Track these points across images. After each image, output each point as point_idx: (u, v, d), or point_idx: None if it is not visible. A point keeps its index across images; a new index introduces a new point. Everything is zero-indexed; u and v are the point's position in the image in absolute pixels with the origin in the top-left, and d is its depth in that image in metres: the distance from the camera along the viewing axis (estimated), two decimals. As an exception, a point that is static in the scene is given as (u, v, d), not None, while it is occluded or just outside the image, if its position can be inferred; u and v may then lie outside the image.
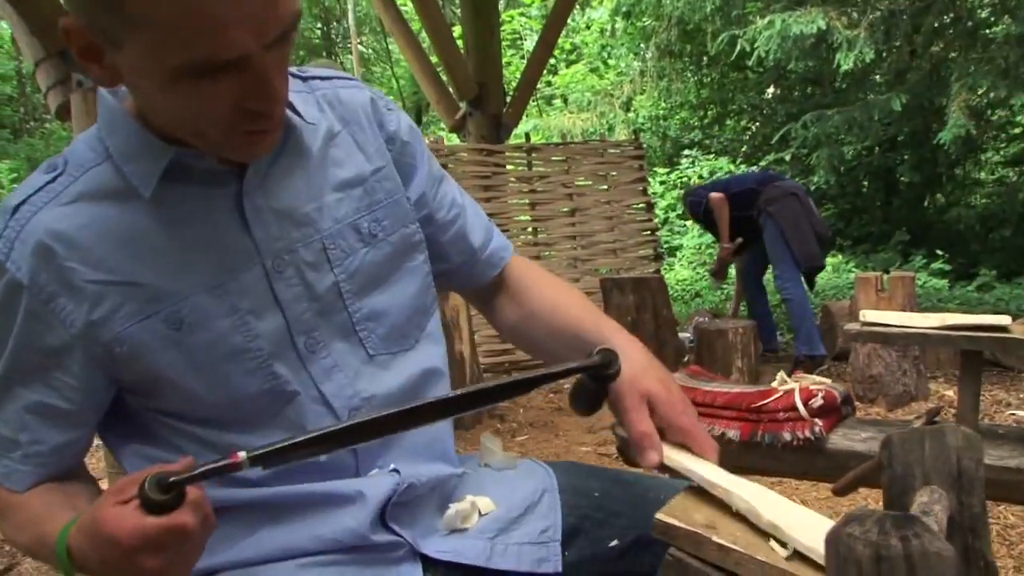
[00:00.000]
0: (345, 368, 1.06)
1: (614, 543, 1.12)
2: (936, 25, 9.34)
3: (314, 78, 1.12)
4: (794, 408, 1.99)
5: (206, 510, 0.85)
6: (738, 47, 9.19)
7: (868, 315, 2.15)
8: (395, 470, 1.06)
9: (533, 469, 1.23)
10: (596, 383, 0.99)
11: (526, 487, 1.17)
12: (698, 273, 9.88)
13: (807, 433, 1.96)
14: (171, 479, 0.80)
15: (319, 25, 22.50)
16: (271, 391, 1.01)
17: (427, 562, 1.04)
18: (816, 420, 1.97)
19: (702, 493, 0.95)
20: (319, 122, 1.07)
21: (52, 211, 0.95)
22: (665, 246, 9.84)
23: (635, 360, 1.08)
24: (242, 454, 0.80)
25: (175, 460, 1.01)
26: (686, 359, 5.49)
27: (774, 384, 2.15)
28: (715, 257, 6.20)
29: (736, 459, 2.09)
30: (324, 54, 21.41)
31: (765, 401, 2.04)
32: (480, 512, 1.10)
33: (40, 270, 0.94)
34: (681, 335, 5.78)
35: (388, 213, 1.11)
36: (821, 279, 8.70)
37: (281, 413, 1.02)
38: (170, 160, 0.95)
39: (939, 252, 9.25)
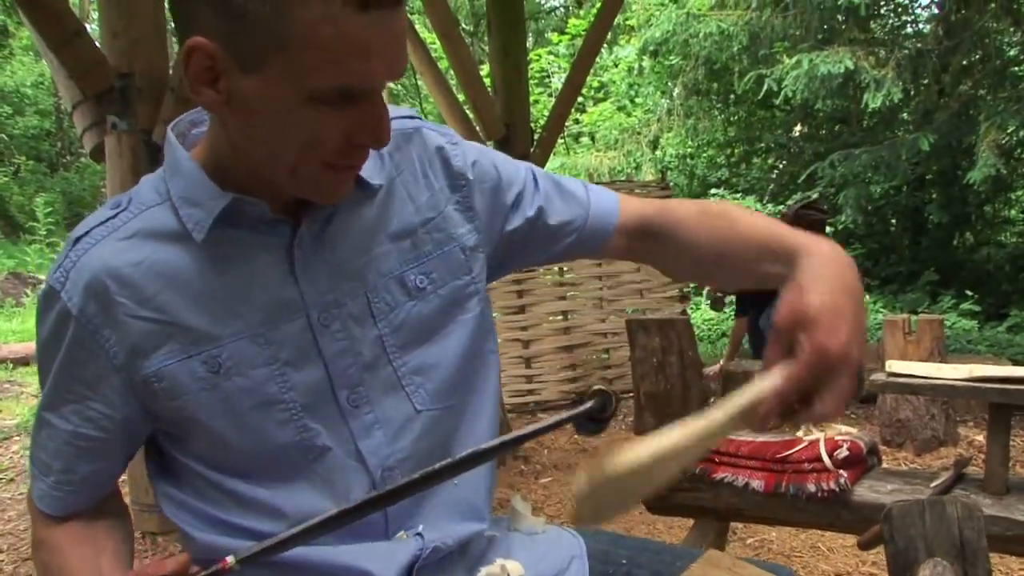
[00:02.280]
0: (386, 425, 1.05)
1: None
2: (964, 64, 9.34)
3: None
4: (819, 459, 1.99)
5: None
6: (765, 86, 9.22)
7: (894, 365, 2.14)
8: (419, 534, 1.05)
9: (562, 536, 1.23)
10: (596, 423, 0.96)
11: (555, 554, 1.17)
12: (725, 313, 9.84)
13: (832, 485, 1.95)
14: None
15: (349, 62, 22.76)
16: (300, 444, 1.01)
17: None
18: (841, 471, 1.96)
19: (722, 560, 0.95)
20: (379, 176, 1.07)
21: (109, 245, 0.98)
22: (691, 286, 9.81)
23: (812, 275, 0.93)
24: (230, 559, 0.84)
25: (204, 508, 1.04)
26: (711, 401, 5.46)
27: (799, 433, 2.14)
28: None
29: (760, 510, 2.08)
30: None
31: (790, 451, 2.03)
32: None
33: (89, 301, 0.97)
34: (706, 369, 5.74)
35: (437, 265, 1.10)
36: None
37: (310, 467, 1.03)
38: (225, 206, 0.96)
39: (968, 292, 9.15)
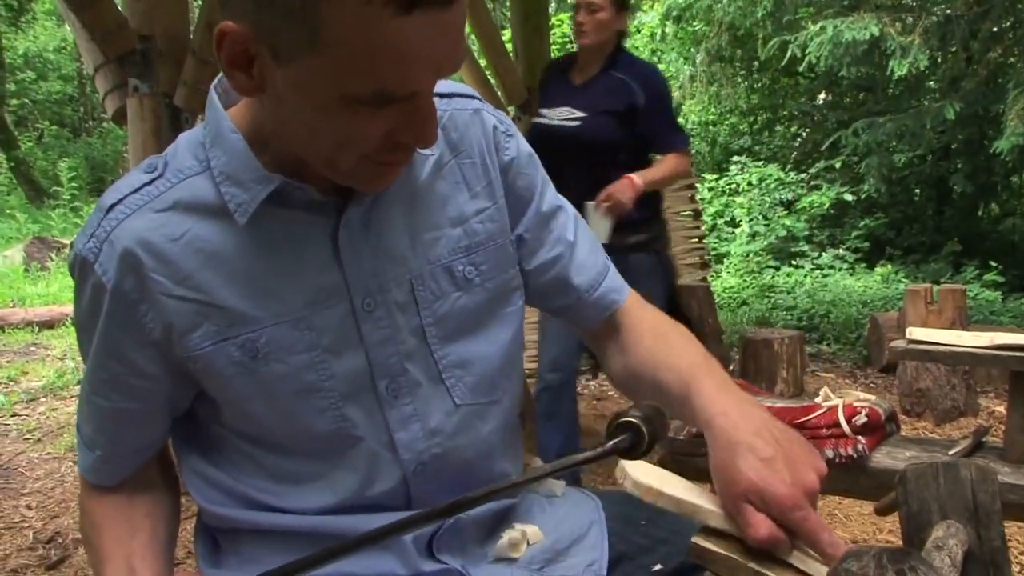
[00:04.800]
0: (424, 418, 1.02)
1: (658, 567, 1.12)
2: (994, 30, 9.17)
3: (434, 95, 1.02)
4: (837, 425, 1.99)
5: None
6: (789, 53, 9.10)
7: (915, 332, 2.13)
8: None
9: (581, 500, 1.22)
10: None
11: (574, 519, 1.16)
12: (745, 281, 9.81)
13: (850, 451, 1.95)
14: None
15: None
16: (337, 433, 0.99)
17: None
18: (859, 438, 1.96)
19: None
20: (431, 151, 1.02)
21: (144, 217, 0.94)
22: (712, 253, 9.77)
23: (726, 442, 0.93)
24: None
25: (231, 482, 1.03)
26: (731, 369, 5.46)
27: (818, 399, 2.14)
28: None
29: (778, 475, 2.09)
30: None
31: (808, 417, 2.03)
32: (528, 542, 1.10)
33: (125, 276, 0.93)
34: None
35: (488, 257, 1.05)
36: (869, 289, 8.59)
37: (344, 455, 1.01)
38: (271, 191, 0.92)
39: (992, 263, 9.07)
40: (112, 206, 0.95)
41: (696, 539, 0.90)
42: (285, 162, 0.93)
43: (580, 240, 1.16)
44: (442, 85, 1.06)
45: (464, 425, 1.05)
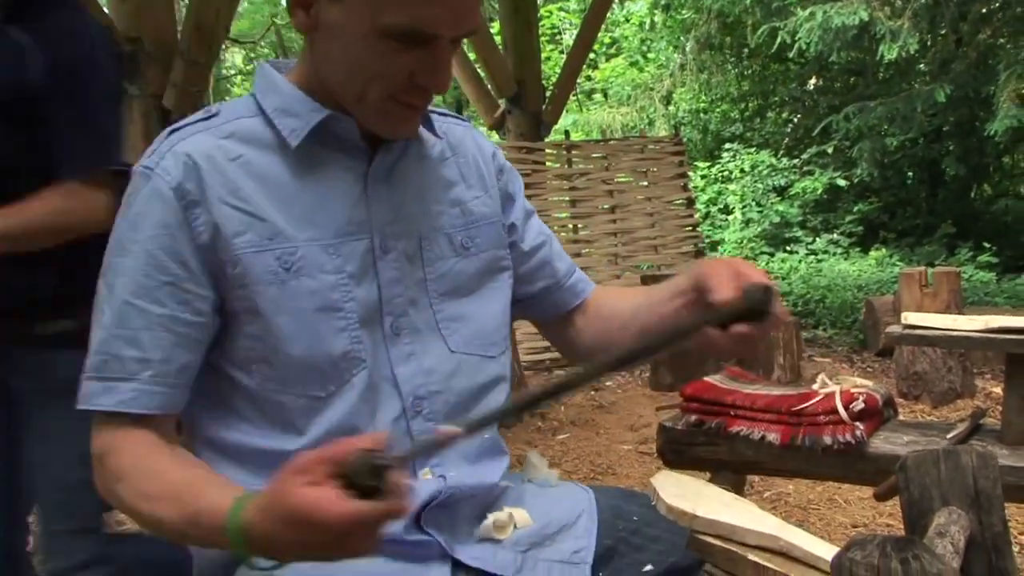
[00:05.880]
0: (422, 358, 1.13)
1: (648, 568, 1.15)
2: (984, 12, 9.18)
3: (432, 112, 1.20)
4: (835, 411, 1.99)
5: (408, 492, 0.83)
6: (779, 39, 9.12)
7: (910, 317, 2.14)
8: (443, 476, 1.09)
9: (574, 491, 1.26)
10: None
11: (564, 506, 1.20)
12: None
13: (848, 437, 1.95)
14: (381, 462, 0.79)
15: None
16: (350, 354, 1.07)
17: (459, 566, 1.07)
18: (857, 424, 1.97)
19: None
20: (441, 139, 1.21)
21: (206, 137, 1.07)
22: (706, 240, 9.77)
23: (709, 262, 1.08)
24: (455, 427, 0.86)
25: (225, 435, 1.07)
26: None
27: (815, 386, 2.14)
28: None
29: (776, 462, 2.09)
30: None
31: (805, 404, 2.04)
32: (516, 525, 1.13)
33: (186, 179, 1.03)
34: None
35: (482, 232, 1.22)
36: (864, 273, 8.59)
37: (351, 381, 1.07)
38: (321, 119, 1.06)
39: (986, 244, 9.08)
40: (174, 130, 1.09)
41: (695, 532, 0.90)
42: (332, 103, 1.08)
43: (552, 236, 1.37)
44: (439, 109, 1.25)
45: (459, 370, 1.15)
